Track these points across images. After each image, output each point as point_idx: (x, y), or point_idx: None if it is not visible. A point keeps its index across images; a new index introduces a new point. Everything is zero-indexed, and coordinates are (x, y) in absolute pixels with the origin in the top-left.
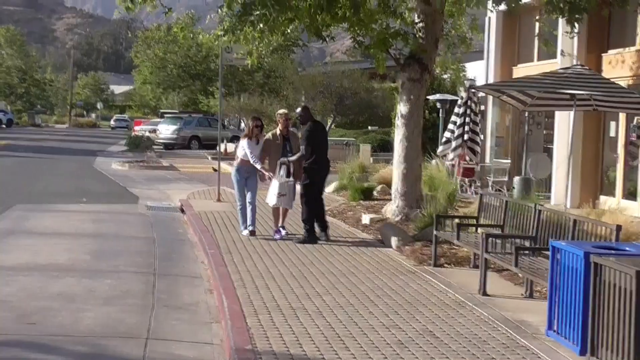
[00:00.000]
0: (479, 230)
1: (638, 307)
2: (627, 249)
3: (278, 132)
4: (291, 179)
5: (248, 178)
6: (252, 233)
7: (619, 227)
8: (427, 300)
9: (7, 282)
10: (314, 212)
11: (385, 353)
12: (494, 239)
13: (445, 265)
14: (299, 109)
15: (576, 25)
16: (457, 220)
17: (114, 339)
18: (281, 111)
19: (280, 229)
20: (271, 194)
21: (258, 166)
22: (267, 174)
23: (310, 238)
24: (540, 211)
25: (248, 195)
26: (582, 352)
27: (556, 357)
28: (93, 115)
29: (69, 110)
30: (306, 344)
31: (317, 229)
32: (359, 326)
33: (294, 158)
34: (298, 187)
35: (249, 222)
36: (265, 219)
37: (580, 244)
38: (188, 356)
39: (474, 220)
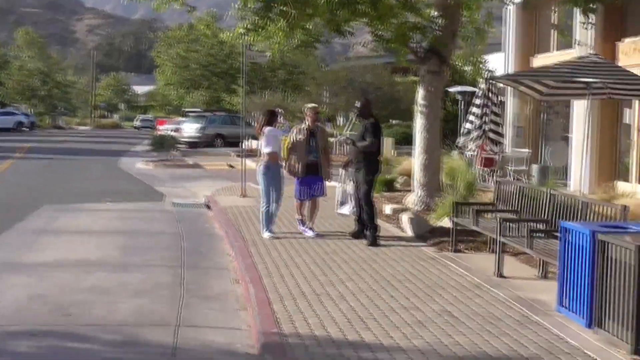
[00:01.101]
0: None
1: (639, 280)
2: (632, 227)
3: (305, 126)
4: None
5: (275, 176)
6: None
7: (625, 207)
8: (446, 283)
9: (42, 277)
10: (374, 208)
11: (406, 332)
12: (509, 224)
13: (464, 250)
14: (358, 103)
15: (590, 15)
16: (475, 207)
17: (146, 327)
18: (310, 105)
19: (307, 224)
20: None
21: (264, 154)
22: (285, 168)
23: (376, 237)
24: (553, 195)
25: (274, 195)
26: (589, 325)
27: (566, 331)
28: (116, 116)
29: (91, 112)
30: (330, 326)
31: (358, 226)
32: (381, 309)
33: (364, 144)
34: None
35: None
36: (289, 211)
37: (588, 224)
38: (218, 341)
39: (491, 206)
